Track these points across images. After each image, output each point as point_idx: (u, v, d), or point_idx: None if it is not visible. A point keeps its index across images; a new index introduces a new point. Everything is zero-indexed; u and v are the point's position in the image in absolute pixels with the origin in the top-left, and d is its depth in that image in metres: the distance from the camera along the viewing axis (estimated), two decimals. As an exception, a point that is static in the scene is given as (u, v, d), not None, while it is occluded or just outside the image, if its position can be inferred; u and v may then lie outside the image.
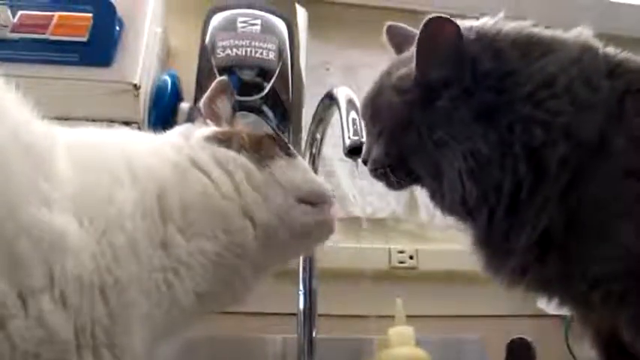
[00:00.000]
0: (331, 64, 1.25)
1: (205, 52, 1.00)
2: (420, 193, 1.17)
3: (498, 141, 0.57)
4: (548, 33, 0.60)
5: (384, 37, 0.72)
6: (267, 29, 1.02)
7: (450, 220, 0.65)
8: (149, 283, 0.50)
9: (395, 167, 0.65)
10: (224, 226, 0.56)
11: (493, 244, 0.61)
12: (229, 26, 1.01)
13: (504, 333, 0.95)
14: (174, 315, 0.53)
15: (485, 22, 0.61)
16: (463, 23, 0.61)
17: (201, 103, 0.69)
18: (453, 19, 0.58)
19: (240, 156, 0.59)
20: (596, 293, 0.55)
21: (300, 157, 0.66)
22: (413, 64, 0.60)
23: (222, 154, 0.59)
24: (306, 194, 0.61)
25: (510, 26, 0.61)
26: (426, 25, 0.58)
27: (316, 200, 0.62)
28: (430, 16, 0.59)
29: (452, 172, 0.59)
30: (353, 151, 0.70)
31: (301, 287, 0.98)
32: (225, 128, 0.65)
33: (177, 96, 1.00)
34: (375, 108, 0.66)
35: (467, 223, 0.63)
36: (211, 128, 0.64)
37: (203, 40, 1.01)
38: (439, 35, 0.58)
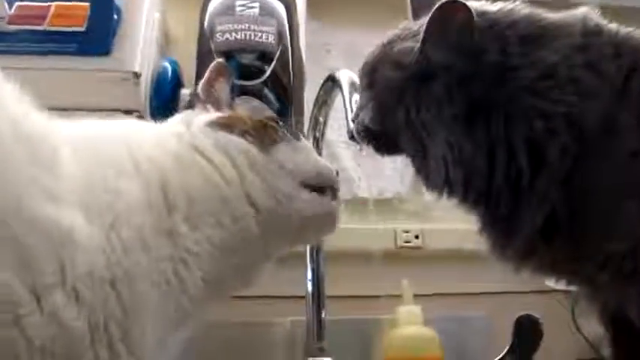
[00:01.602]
0: (331, 45, 1.24)
1: (204, 37, 0.98)
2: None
3: (486, 136, 0.57)
4: (555, 18, 0.59)
5: None
6: (266, 12, 1.00)
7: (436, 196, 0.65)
8: (158, 274, 0.50)
9: (380, 136, 0.65)
10: (228, 213, 0.56)
11: (497, 227, 0.60)
12: (227, 10, 0.99)
13: (510, 310, 0.95)
14: (184, 304, 0.53)
15: (500, 9, 0.60)
16: (478, 7, 0.59)
17: (200, 87, 0.68)
18: (467, 4, 0.57)
19: (243, 141, 0.59)
20: (604, 272, 0.55)
21: (304, 140, 0.66)
22: (418, 40, 0.59)
23: (224, 140, 0.59)
24: (311, 177, 0.61)
25: (522, 15, 0.59)
26: (439, 7, 0.57)
27: (321, 183, 0.62)
28: None
29: (436, 155, 0.59)
30: (357, 135, 0.70)
31: (309, 269, 0.98)
32: (226, 113, 0.64)
33: (178, 83, 0.99)
34: (371, 77, 0.66)
35: (457, 203, 0.63)
36: (212, 114, 0.63)
37: (202, 25, 1.00)
38: (451, 20, 0.57)
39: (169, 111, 0.97)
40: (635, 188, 0.53)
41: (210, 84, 0.67)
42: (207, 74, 0.68)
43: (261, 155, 0.59)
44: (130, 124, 0.62)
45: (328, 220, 0.63)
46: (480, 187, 0.58)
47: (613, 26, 0.59)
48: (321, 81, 1.00)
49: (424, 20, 0.60)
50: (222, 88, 0.67)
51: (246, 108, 0.81)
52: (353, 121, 0.70)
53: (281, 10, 1.02)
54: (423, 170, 0.62)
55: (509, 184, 0.57)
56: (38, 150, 0.46)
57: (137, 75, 0.88)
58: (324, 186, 0.63)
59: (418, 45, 0.59)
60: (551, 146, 0.54)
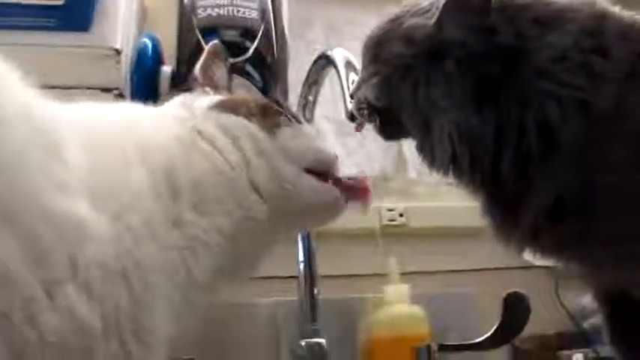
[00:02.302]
0: (313, 20, 1.21)
1: (185, 12, 0.95)
2: (408, 151, 1.19)
3: (496, 115, 0.57)
4: (563, 2, 0.59)
5: None
6: (248, -14, 0.97)
7: (439, 177, 0.64)
8: (167, 263, 0.49)
9: (382, 113, 0.64)
10: (235, 199, 0.55)
11: (504, 208, 0.61)
12: (208, -15, 0.96)
13: (495, 285, 0.97)
14: (192, 293, 0.52)
15: None
16: None
17: (196, 70, 0.66)
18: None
19: (249, 123, 0.58)
20: (610, 253, 0.56)
21: (305, 123, 0.64)
22: (429, 17, 0.59)
23: (228, 121, 0.57)
24: (313, 163, 0.60)
25: None
26: None
27: (322, 168, 0.61)
28: None
29: (442, 132, 0.59)
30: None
31: (300, 250, 0.97)
32: (229, 96, 0.63)
33: (158, 59, 0.96)
34: (376, 51, 0.65)
35: (459, 182, 0.63)
36: (215, 97, 0.61)
37: (181, 0, 0.97)
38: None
39: (150, 88, 0.94)
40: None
41: (207, 66, 0.65)
42: (203, 57, 0.66)
43: (266, 138, 0.57)
44: (131, 108, 0.60)
45: (333, 208, 0.62)
46: (487, 165, 0.58)
47: (617, 10, 0.60)
48: (302, 55, 0.98)
49: None
50: (220, 71, 0.66)
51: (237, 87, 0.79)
52: (351, 96, 0.68)
53: (263, -15, 0.99)
54: (427, 148, 0.62)
55: (519, 165, 0.57)
56: (49, 139, 0.43)
57: (118, 52, 0.85)
58: (324, 170, 0.62)
59: (431, 22, 0.58)
60: (563, 128, 0.55)
